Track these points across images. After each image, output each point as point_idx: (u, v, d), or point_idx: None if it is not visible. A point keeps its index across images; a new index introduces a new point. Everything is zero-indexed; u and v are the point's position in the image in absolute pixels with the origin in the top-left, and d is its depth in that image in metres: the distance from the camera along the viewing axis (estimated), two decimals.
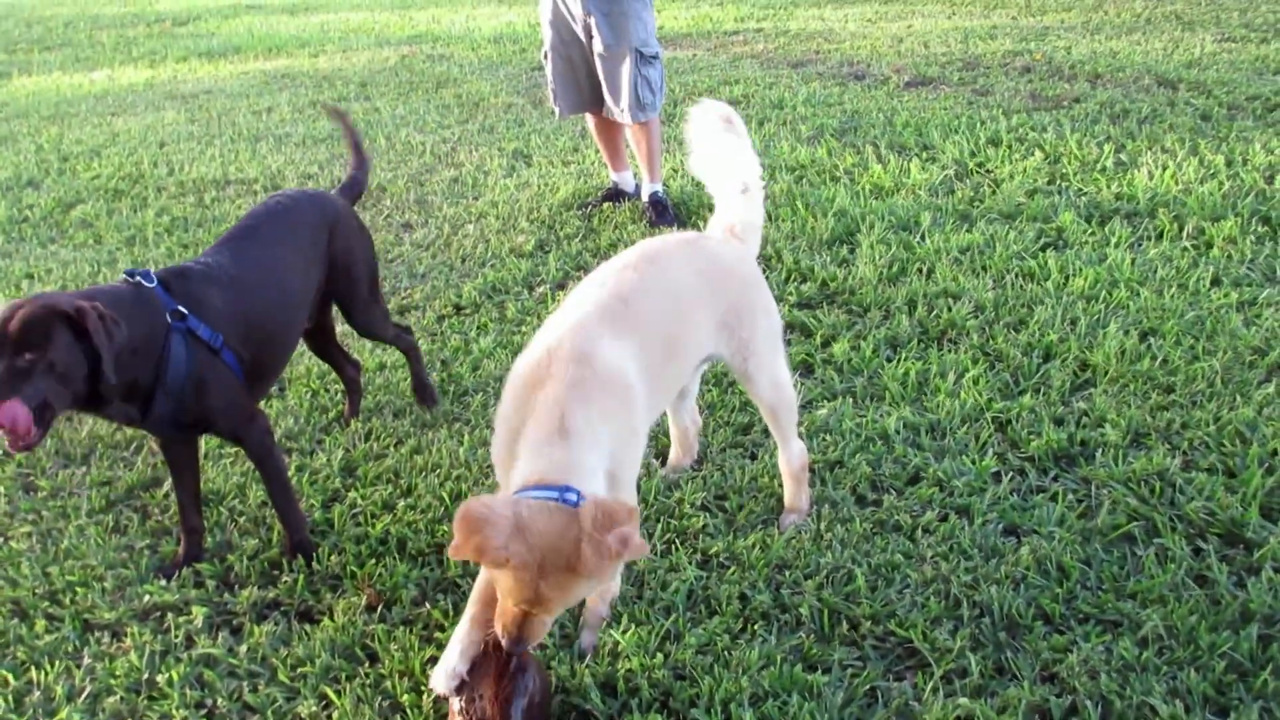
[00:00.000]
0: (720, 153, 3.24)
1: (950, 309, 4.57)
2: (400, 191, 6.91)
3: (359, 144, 4.20)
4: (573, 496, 2.25)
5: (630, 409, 2.55)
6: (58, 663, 2.88)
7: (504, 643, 2.31)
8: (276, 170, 7.58)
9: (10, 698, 2.77)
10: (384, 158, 7.73)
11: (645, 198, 6.18)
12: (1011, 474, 3.48)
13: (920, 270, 5.03)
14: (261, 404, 4.11)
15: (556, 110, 6.21)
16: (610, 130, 6.27)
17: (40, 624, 3.04)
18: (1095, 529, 3.17)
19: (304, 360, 4.56)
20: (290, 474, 3.67)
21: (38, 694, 2.78)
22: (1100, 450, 3.53)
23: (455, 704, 2.42)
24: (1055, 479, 3.46)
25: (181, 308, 2.97)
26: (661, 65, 5.89)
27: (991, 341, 4.31)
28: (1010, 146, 6.80)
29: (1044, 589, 2.94)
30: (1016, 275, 4.91)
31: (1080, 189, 6.01)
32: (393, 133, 8.39)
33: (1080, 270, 4.85)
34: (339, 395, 4.24)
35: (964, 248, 5.26)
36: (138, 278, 3.00)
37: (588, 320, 2.61)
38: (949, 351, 4.28)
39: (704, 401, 4.01)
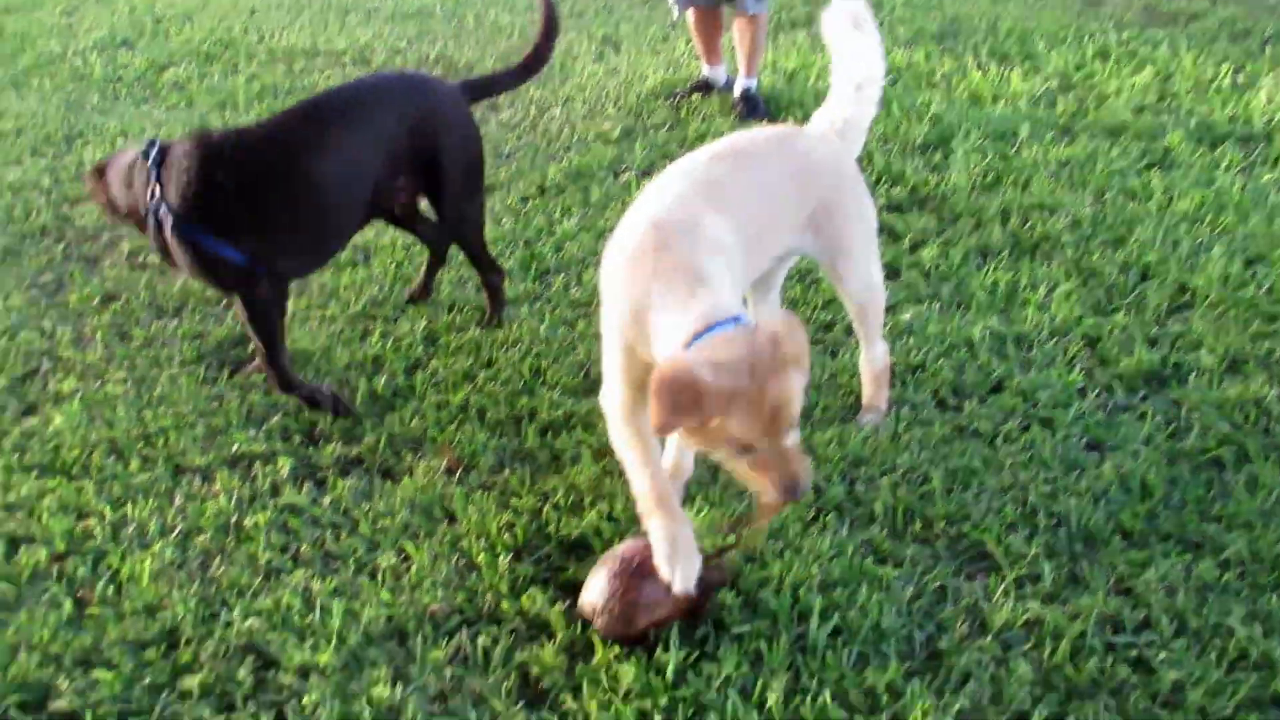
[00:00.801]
0: (843, 51, 3.14)
1: (1045, 222, 4.45)
2: (487, 71, 6.84)
3: (550, 25, 3.82)
4: (742, 321, 2.25)
5: (735, 270, 2.52)
6: (151, 500, 2.99)
7: (781, 496, 2.24)
8: (365, 44, 7.54)
9: (107, 529, 2.88)
10: (472, 36, 7.66)
11: (738, 92, 6.00)
12: (1098, 390, 3.41)
13: (1015, 181, 4.89)
14: (346, 274, 4.18)
15: (675, 9, 6.03)
16: (711, 24, 6.09)
17: (135, 464, 3.15)
18: (1182, 451, 3.11)
19: (389, 231, 4.59)
20: (375, 340, 3.74)
21: (132, 528, 2.89)
22: (1194, 374, 3.45)
23: (600, 586, 2.46)
24: (1144, 399, 3.39)
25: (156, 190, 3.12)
26: None
27: (1087, 257, 4.20)
28: (1119, 61, 6.53)
29: (1124, 505, 2.90)
30: (1117, 193, 4.75)
31: (1191, 109, 5.77)
32: (481, 12, 8.28)
33: (1186, 192, 4.68)
34: (421, 265, 4.26)
35: (1063, 161, 5.10)
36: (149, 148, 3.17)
37: (688, 196, 2.59)
38: (1041, 264, 4.18)
39: (786, 298, 3.97)
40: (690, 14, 6.07)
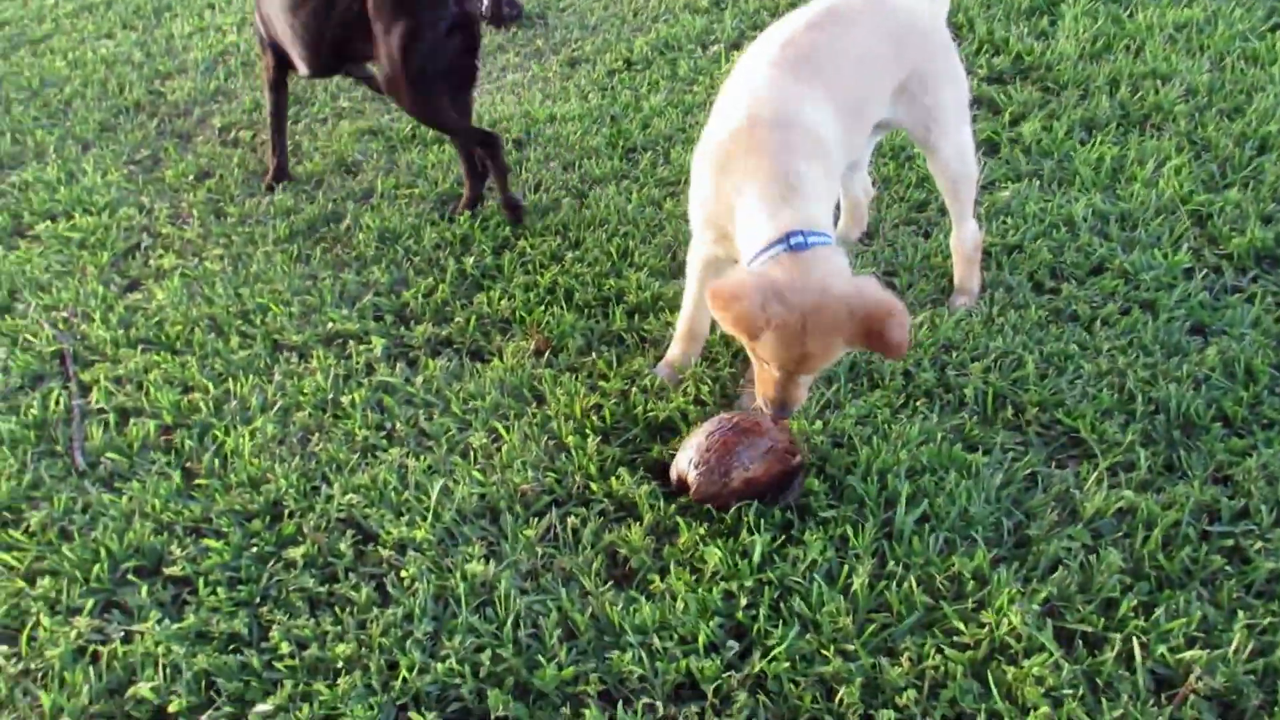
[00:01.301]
0: None
1: (1158, 91, 4.22)
2: None
3: None
4: (814, 239, 2.30)
5: (831, 172, 2.50)
6: (251, 377, 3.09)
7: (768, 410, 2.45)
8: None
9: (210, 404, 2.99)
10: None
11: None
12: (1206, 271, 3.28)
13: (1128, 47, 4.62)
14: (433, 152, 4.17)
15: None
16: None
17: (235, 340, 3.25)
18: None
19: (475, 107, 4.54)
20: (463, 220, 3.75)
21: (235, 403, 3.00)
22: None
23: (696, 443, 2.55)
24: (1255, 280, 3.25)
25: None
26: None
27: (1200, 129, 3.98)
28: None
29: (1227, 391, 2.81)
30: (1238, 58, 4.46)
31: None
32: None
33: None
34: (507, 143, 4.23)
35: (1180, 24, 4.79)
36: None
37: (785, 84, 2.52)
38: (1151, 137, 3.98)
39: (879, 175, 3.86)
40: None
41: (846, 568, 2.36)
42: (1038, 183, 3.75)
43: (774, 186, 2.35)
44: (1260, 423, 2.73)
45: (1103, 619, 2.25)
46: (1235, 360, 2.90)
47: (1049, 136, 4.00)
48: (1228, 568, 2.35)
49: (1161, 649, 2.17)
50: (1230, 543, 2.42)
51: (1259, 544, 2.39)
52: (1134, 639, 2.19)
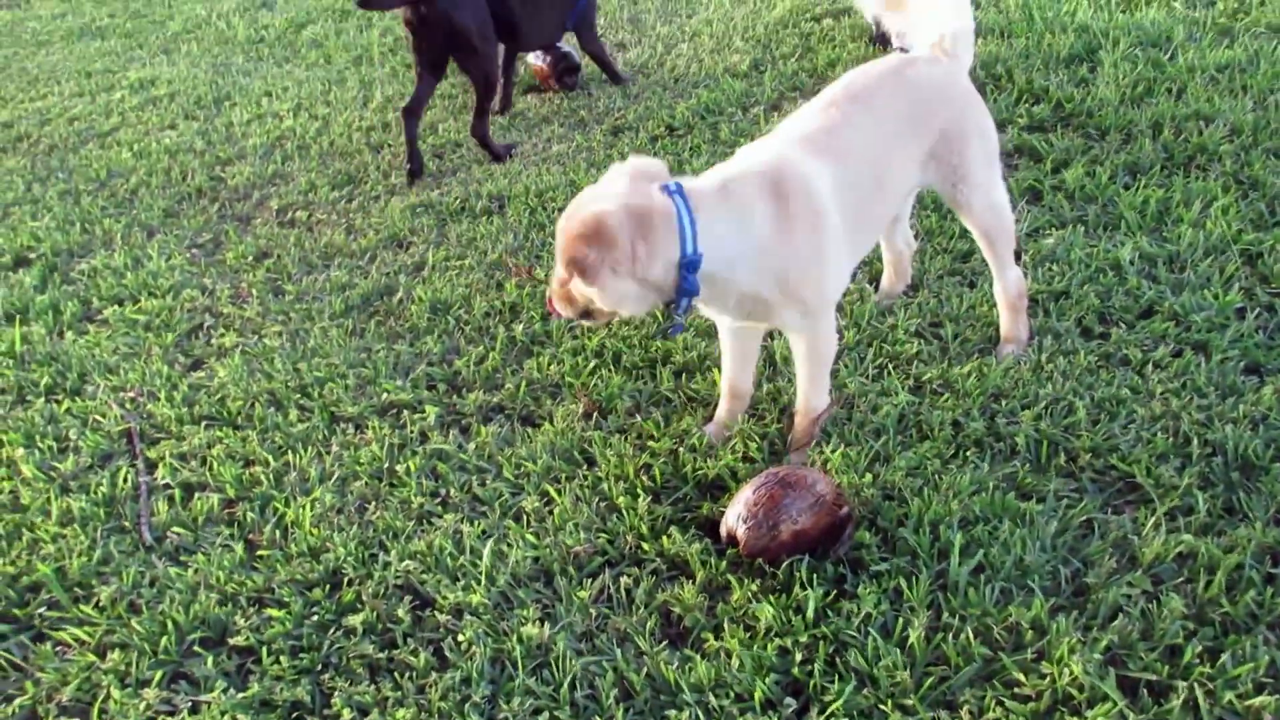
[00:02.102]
0: None
1: (1201, 132, 4.21)
2: (613, 10, 6.82)
3: None
4: (669, 185, 2.51)
5: (817, 231, 2.56)
6: (310, 449, 3.17)
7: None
8: None
9: (271, 476, 3.07)
10: None
11: None
12: (1259, 310, 3.24)
13: (1169, 90, 4.62)
14: (482, 224, 4.28)
15: None
16: None
17: (293, 414, 3.34)
18: None
19: (523, 179, 4.67)
20: (511, 288, 3.83)
21: (295, 474, 3.07)
22: None
23: (745, 498, 2.57)
24: None
25: None
26: None
27: (1247, 169, 3.95)
28: None
29: None
30: None
31: None
32: None
33: None
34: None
35: (1222, 65, 4.79)
36: None
37: (787, 147, 2.66)
38: (1196, 178, 3.96)
39: (922, 227, 3.89)
40: None
41: (902, 621, 2.35)
42: (1082, 228, 3.75)
43: (718, 183, 2.57)
44: None
45: (1167, 666, 2.20)
46: None
47: (1092, 182, 4.00)
48: None
49: (1229, 695, 2.12)
50: None
51: None
52: (1199, 686, 2.14)
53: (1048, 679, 2.20)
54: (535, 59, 5.72)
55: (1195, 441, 2.76)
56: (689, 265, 2.46)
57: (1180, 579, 2.41)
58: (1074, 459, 2.79)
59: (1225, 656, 2.19)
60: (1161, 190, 3.89)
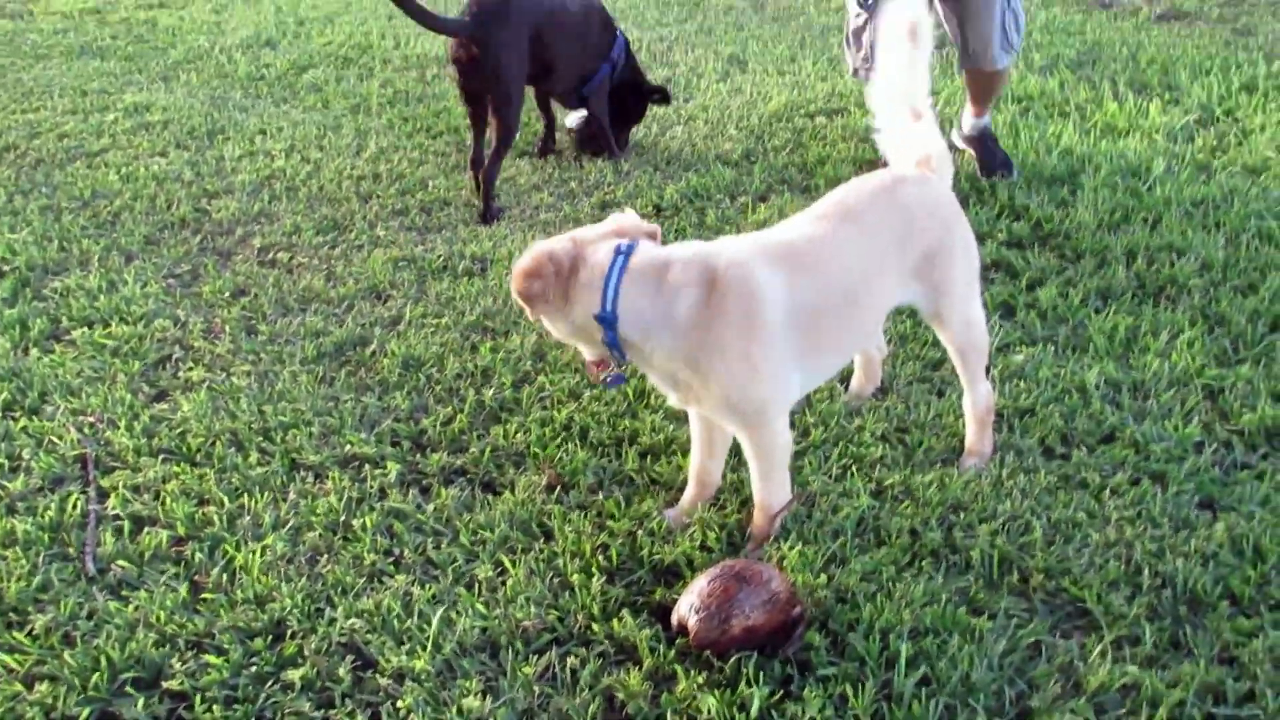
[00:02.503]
0: (896, 66, 3.05)
1: (1173, 264, 4.32)
2: None
3: None
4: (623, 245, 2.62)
5: (747, 334, 2.61)
6: (266, 493, 3.14)
7: None
8: None
9: (224, 518, 3.03)
10: None
11: (967, 129, 5.40)
12: (1216, 446, 3.30)
13: (1145, 220, 4.75)
14: (463, 284, 4.30)
15: (858, 71, 5.15)
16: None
17: (253, 456, 3.31)
18: None
19: (507, 243, 4.70)
20: (485, 351, 3.84)
21: (247, 519, 3.04)
22: None
23: (699, 588, 2.57)
24: (1265, 457, 3.27)
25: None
26: None
27: (1214, 304, 4.06)
28: (1267, 95, 6.27)
29: (1235, 569, 2.80)
30: (1253, 236, 4.57)
31: None
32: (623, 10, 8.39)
33: None
34: None
35: (1198, 200, 4.93)
36: None
37: (751, 248, 2.73)
38: (1165, 309, 4.06)
39: (895, 332, 3.94)
40: None
41: None
42: (1052, 348, 3.82)
43: (657, 269, 2.64)
44: (1268, 603, 2.71)
45: None
46: (1244, 538, 2.90)
47: (1065, 303, 4.09)
48: None
49: None
50: None
51: None
52: None
53: None
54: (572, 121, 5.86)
55: (1147, 572, 2.79)
56: (603, 320, 2.59)
57: (1123, 710, 2.42)
58: (1026, 579, 2.81)
59: None
60: (1131, 318, 3.97)
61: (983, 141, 5.33)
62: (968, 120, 5.39)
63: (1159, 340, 3.83)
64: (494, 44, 4.79)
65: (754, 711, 2.36)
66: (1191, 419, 3.42)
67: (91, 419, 3.51)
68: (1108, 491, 3.10)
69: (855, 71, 5.19)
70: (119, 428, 3.45)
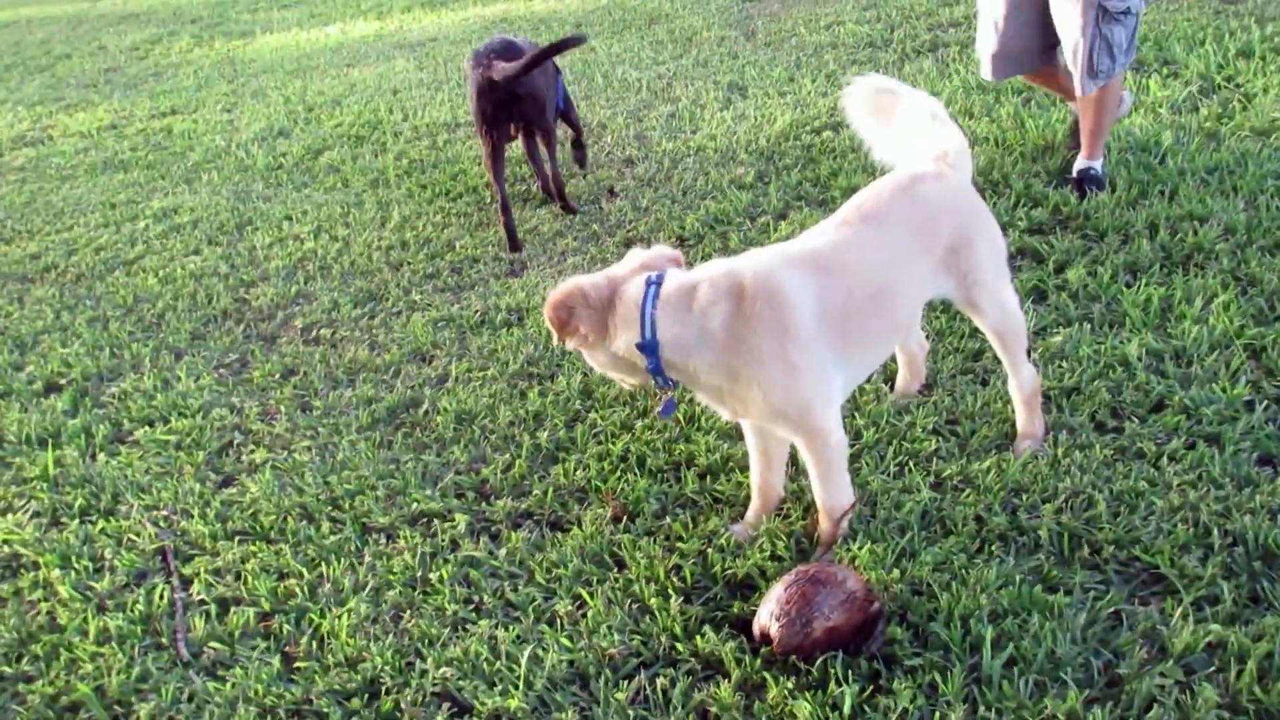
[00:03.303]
0: (889, 107, 3.19)
1: (1197, 232, 4.35)
2: (620, 128, 7.07)
3: None
4: (653, 275, 2.76)
5: (782, 339, 2.68)
6: (342, 559, 3.22)
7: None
8: None
9: (305, 588, 3.12)
10: (602, 95, 7.91)
11: (1074, 172, 5.07)
12: (1267, 403, 3.32)
13: (1162, 192, 4.79)
14: (503, 335, 4.40)
15: (987, 68, 5.12)
16: (1052, 84, 5.17)
17: (325, 526, 3.40)
18: None
19: (539, 290, 4.81)
20: (534, 396, 3.93)
21: (329, 586, 3.12)
22: None
23: (776, 595, 2.63)
24: None
25: None
26: (1136, 21, 4.72)
27: (1244, 265, 4.08)
28: (1264, 58, 6.30)
29: None
30: (1271, 196, 4.59)
31: None
32: (609, 70, 8.55)
33: None
34: None
35: (1211, 168, 4.96)
36: None
37: (774, 257, 2.84)
38: (1195, 276, 4.09)
39: (932, 328, 4.00)
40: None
41: (938, 715, 2.37)
42: (1089, 326, 3.86)
43: (687, 291, 2.76)
44: None
45: None
46: None
47: (1094, 281, 4.13)
48: None
49: None
50: None
51: None
52: None
53: None
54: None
55: (1215, 532, 2.81)
56: (644, 348, 2.69)
57: (1212, 669, 2.44)
58: (1097, 551, 2.84)
59: None
60: (1162, 288, 4.01)
61: (1080, 184, 4.96)
62: (1079, 161, 5.06)
63: (1194, 307, 3.85)
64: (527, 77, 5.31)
65: (846, 710, 2.41)
66: (1238, 379, 3.44)
67: (165, 512, 3.62)
68: (1165, 458, 3.13)
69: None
70: (193, 516, 3.55)
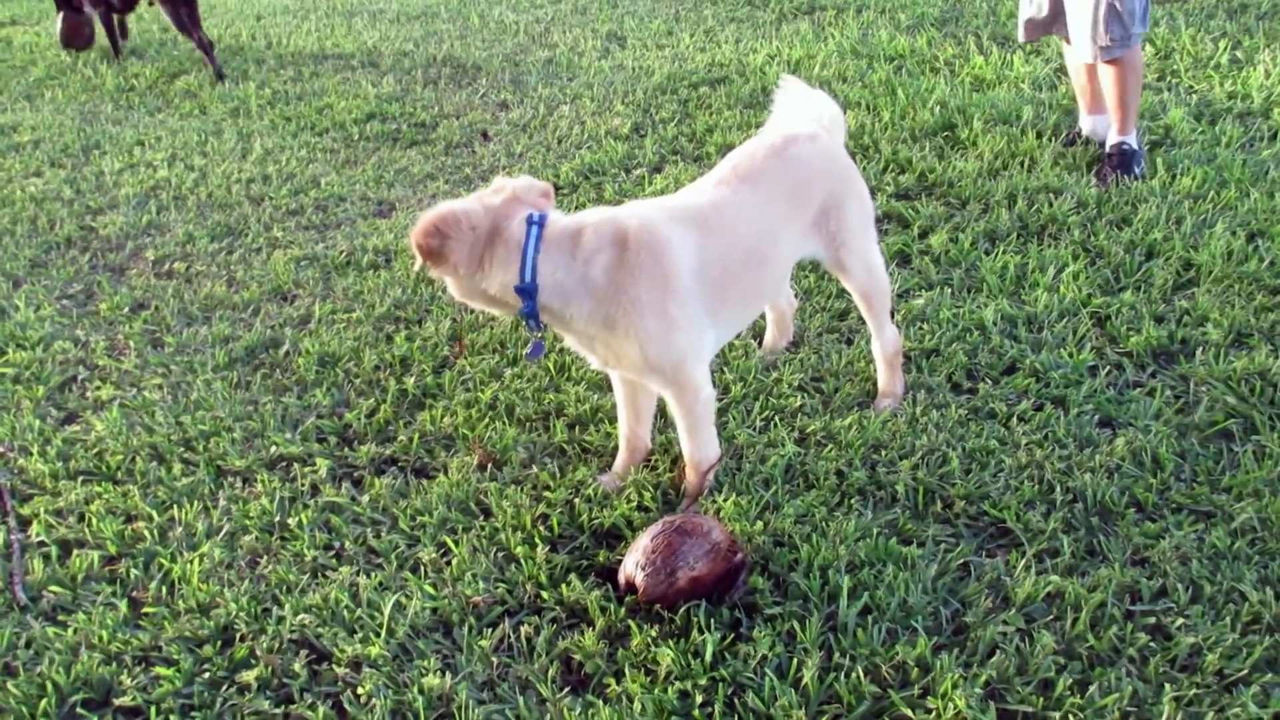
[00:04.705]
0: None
1: (1051, 204, 4.54)
2: (495, 70, 6.94)
3: None
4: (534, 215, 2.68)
5: (660, 290, 2.70)
6: (196, 503, 3.10)
7: None
8: (372, 46, 7.62)
9: (155, 532, 2.99)
10: (478, 36, 7.74)
11: (1107, 146, 4.99)
12: (1109, 368, 3.50)
13: (1022, 164, 4.97)
14: (369, 278, 4.28)
15: (1020, 31, 5.12)
16: (1094, 66, 4.96)
17: (177, 468, 3.26)
18: (1192, 424, 3.21)
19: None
20: (400, 341, 3.84)
21: (180, 530, 3.00)
22: (1201, 349, 3.53)
23: (643, 545, 2.64)
24: (1153, 375, 3.48)
25: None
26: None
27: (1093, 238, 4.28)
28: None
29: (1137, 479, 2.99)
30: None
31: (1191, 86, 5.84)
32: (486, 11, 8.37)
33: (1188, 169, 4.76)
34: None
35: (1067, 143, 5.17)
36: None
37: (656, 210, 2.83)
38: (1049, 246, 4.27)
39: (800, 287, 4.07)
40: (1070, 61, 5.21)
41: (796, 661, 2.44)
42: (949, 290, 3.99)
43: (572, 233, 2.72)
44: (1170, 507, 2.91)
45: (1041, 699, 2.35)
46: (1143, 450, 3.10)
47: (956, 248, 4.27)
48: (1152, 644, 2.48)
49: None
50: (1153, 620, 2.56)
51: (1179, 621, 2.53)
52: (1072, 717, 2.29)
53: (934, 714, 2.32)
54: None
55: (1058, 489, 2.96)
56: (523, 291, 2.64)
57: (1050, 617, 2.58)
58: (949, 506, 2.95)
59: (1093, 688, 2.35)
60: (1019, 256, 4.17)
61: (1120, 155, 4.87)
62: (1111, 135, 4.95)
63: (1046, 275, 4.03)
64: None
65: (708, 657, 2.45)
66: (1084, 346, 3.62)
67: (1, 448, 3.41)
68: (1015, 419, 3.27)
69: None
70: (31, 454, 3.36)
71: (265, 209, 5.11)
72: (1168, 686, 2.35)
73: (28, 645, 2.65)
